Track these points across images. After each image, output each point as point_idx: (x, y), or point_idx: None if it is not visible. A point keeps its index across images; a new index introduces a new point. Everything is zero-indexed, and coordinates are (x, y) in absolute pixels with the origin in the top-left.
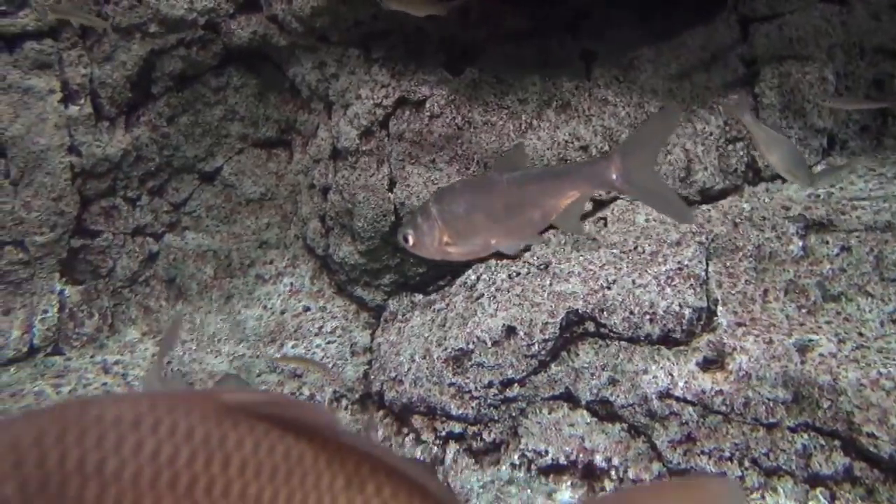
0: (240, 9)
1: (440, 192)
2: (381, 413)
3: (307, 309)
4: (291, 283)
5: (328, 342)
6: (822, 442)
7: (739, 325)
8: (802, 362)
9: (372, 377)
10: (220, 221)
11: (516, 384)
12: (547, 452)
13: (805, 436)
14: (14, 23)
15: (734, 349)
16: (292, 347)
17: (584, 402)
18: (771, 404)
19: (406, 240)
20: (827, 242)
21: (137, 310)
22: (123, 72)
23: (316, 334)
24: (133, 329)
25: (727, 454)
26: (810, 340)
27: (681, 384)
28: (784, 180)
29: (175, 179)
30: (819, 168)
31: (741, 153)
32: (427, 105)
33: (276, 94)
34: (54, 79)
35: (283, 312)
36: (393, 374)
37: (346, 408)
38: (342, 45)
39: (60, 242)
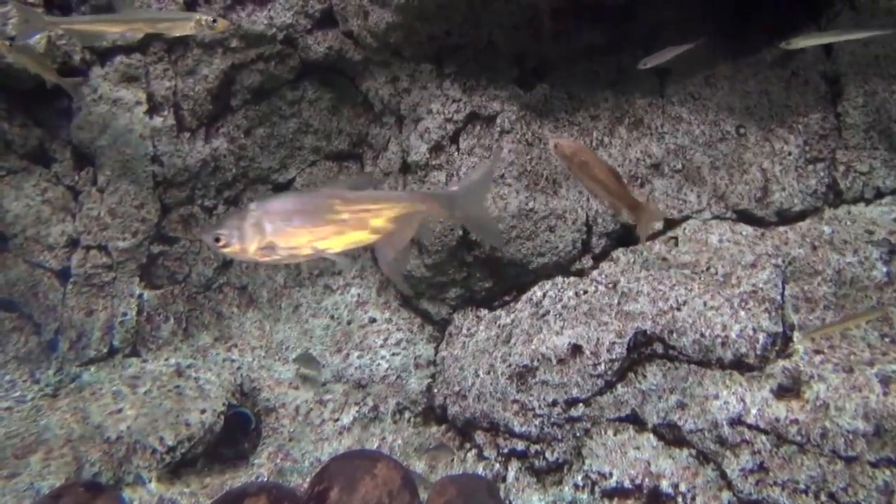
0: (317, 24)
1: (263, 200)
2: (443, 427)
3: (373, 320)
4: (358, 294)
5: (393, 354)
6: None
7: (817, 352)
8: (885, 394)
9: (435, 391)
10: None
11: (581, 404)
12: (611, 475)
13: (887, 472)
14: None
15: (811, 377)
16: (357, 358)
17: (650, 425)
18: (850, 436)
19: (217, 240)
20: None
21: (210, 315)
22: (205, 85)
23: (381, 346)
24: (206, 334)
25: (802, 486)
26: (894, 371)
27: (754, 411)
28: (868, 203)
29: (250, 190)
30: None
31: (822, 174)
32: (498, 121)
33: (349, 108)
34: (141, 91)
35: (349, 323)
36: (456, 389)
37: (408, 420)
38: (415, 60)
39: (141, 248)
